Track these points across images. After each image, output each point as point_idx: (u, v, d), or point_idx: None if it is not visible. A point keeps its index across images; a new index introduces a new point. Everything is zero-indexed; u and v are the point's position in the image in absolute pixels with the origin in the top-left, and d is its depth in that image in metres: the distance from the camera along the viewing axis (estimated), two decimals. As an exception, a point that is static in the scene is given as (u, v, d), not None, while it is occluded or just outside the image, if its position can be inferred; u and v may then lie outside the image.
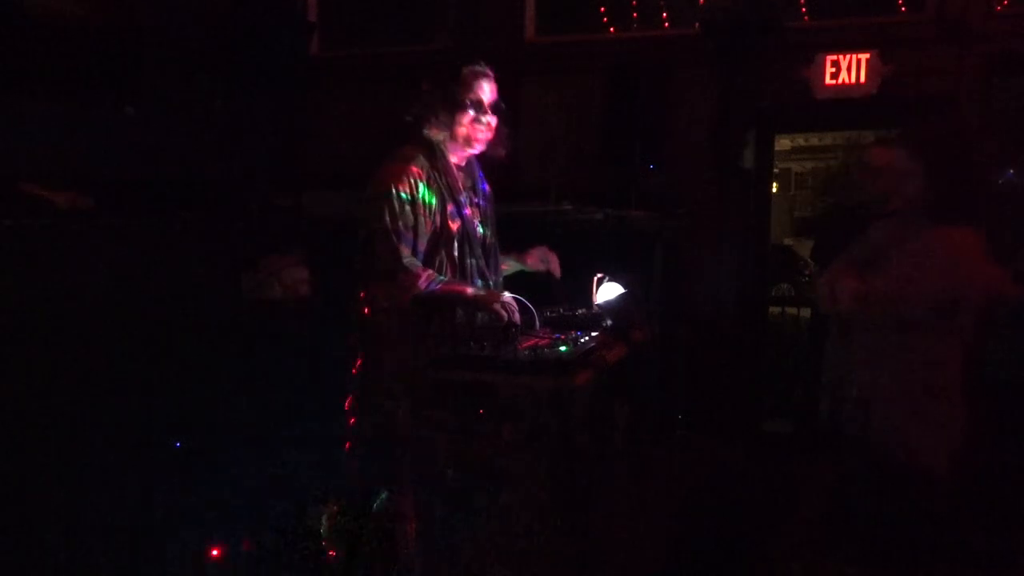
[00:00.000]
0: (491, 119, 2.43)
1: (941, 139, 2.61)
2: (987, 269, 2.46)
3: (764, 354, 5.15)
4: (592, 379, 2.12)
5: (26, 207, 3.17)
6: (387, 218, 2.27)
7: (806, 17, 4.93)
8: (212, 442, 3.42)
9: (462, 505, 2.35)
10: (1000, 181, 4.28)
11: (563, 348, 2.05)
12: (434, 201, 2.36)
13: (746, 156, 4.91)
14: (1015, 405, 3.48)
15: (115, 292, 3.24)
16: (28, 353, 2.93)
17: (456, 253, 2.39)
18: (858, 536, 2.69)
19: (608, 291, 2.65)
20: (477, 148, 2.46)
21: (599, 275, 2.68)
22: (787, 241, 8.32)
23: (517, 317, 2.21)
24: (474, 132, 2.41)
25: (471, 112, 2.39)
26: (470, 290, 2.30)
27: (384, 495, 2.15)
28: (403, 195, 2.30)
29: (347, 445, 2.47)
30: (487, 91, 2.42)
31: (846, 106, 4.79)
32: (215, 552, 2.97)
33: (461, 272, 2.41)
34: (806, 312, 5.20)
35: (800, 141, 9.02)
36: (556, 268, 2.66)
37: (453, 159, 2.45)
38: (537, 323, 2.30)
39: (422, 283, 2.23)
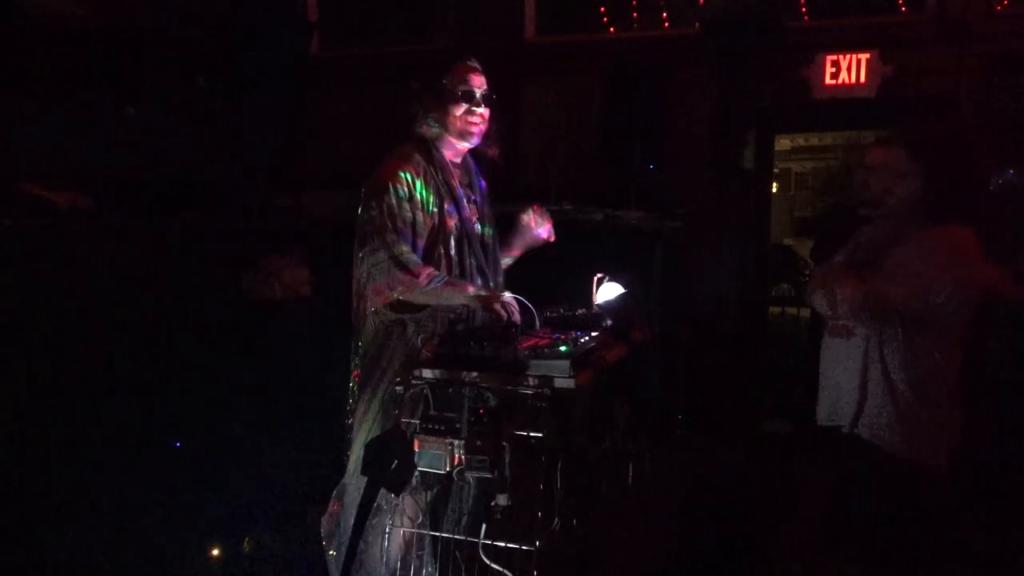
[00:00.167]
0: (484, 110, 2.43)
1: (940, 139, 2.61)
2: (985, 268, 2.46)
3: (764, 354, 5.15)
4: (592, 379, 2.12)
5: (26, 207, 3.17)
6: (385, 215, 2.27)
7: (806, 17, 4.93)
8: (212, 442, 3.42)
9: (462, 505, 2.35)
10: (1000, 181, 4.28)
11: (563, 348, 2.05)
12: (431, 198, 2.36)
13: (746, 156, 4.91)
14: (1015, 405, 3.48)
15: (115, 292, 3.24)
16: (28, 353, 2.93)
17: (454, 250, 2.39)
18: (858, 536, 2.69)
19: (608, 291, 2.65)
20: (472, 141, 2.46)
21: (599, 275, 2.67)
22: (787, 241, 8.34)
23: (517, 317, 2.21)
24: (468, 124, 2.41)
25: (463, 104, 2.39)
26: (471, 289, 2.30)
27: (384, 495, 2.15)
28: (401, 192, 2.30)
29: (347, 445, 2.48)
30: (477, 82, 2.43)
31: (846, 106, 4.79)
32: (215, 552, 2.97)
33: (460, 269, 2.41)
34: (806, 312, 5.20)
35: (800, 141, 9.03)
36: (549, 229, 2.65)
37: (449, 155, 2.46)
38: (537, 323, 2.30)
39: (422, 281, 2.23)
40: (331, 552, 2.40)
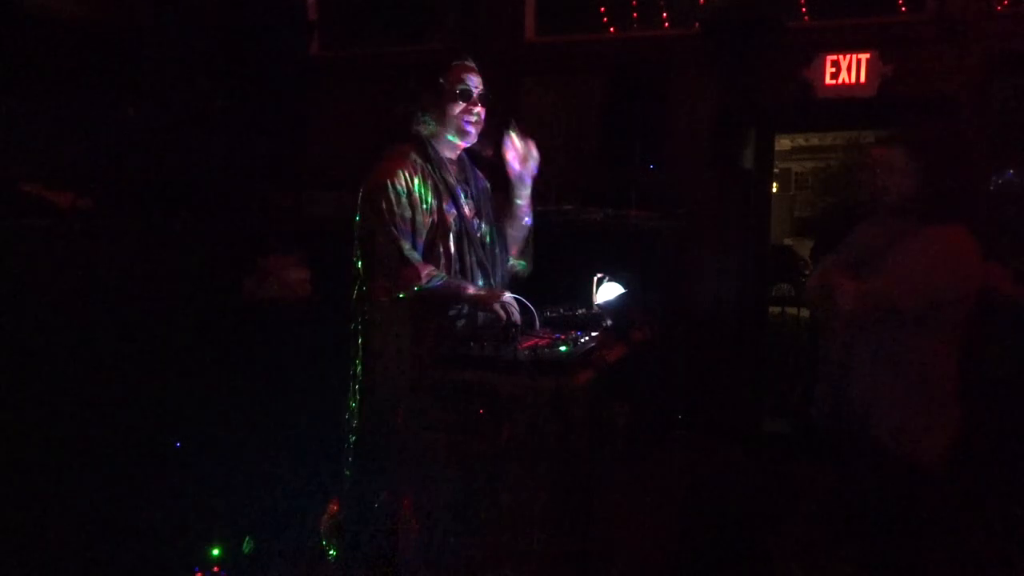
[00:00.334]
0: (481, 109, 2.44)
1: (940, 138, 2.62)
2: (982, 267, 2.47)
3: (764, 354, 5.14)
4: (592, 379, 2.12)
5: (26, 207, 3.17)
6: (384, 213, 2.28)
7: (806, 17, 4.93)
8: (212, 442, 3.42)
9: (462, 505, 2.35)
10: (1000, 181, 4.28)
11: (563, 348, 2.05)
12: (429, 195, 2.37)
13: (746, 156, 4.91)
14: (1014, 404, 3.48)
15: (115, 292, 3.24)
16: (28, 353, 2.93)
17: (454, 247, 2.40)
18: (859, 536, 2.69)
19: (608, 291, 2.65)
20: (469, 140, 2.47)
21: (599, 275, 2.68)
22: (787, 241, 8.33)
23: (517, 317, 2.21)
24: (465, 123, 2.43)
25: (461, 102, 2.41)
26: (470, 289, 2.30)
27: (384, 496, 2.16)
28: (399, 189, 2.31)
29: (348, 445, 2.48)
30: (474, 82, 2.44)
31: (846, 106, 4.79)
32: (215, 552, 2.97)
33: (460, 266, 2.41)
34: (806, 312, 5.20)
35: (800, 141, 9.03)
36: (533, 150, 2.56)
37: (445, 153, 2.47)
38: (537, 323, 2.30)
39: (423, 278, 2.23)
40: (331, 552, 2.40)
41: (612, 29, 5.28)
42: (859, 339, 2.52)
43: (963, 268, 2.43)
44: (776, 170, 7.52)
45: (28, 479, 2.86)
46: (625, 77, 4.72)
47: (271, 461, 3.40)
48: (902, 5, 4.79)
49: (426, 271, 2.25)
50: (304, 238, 4.12)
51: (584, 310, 2.55)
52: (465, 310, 2.36)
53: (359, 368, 2.42)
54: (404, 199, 2.31)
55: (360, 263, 2.34)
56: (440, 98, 2.41)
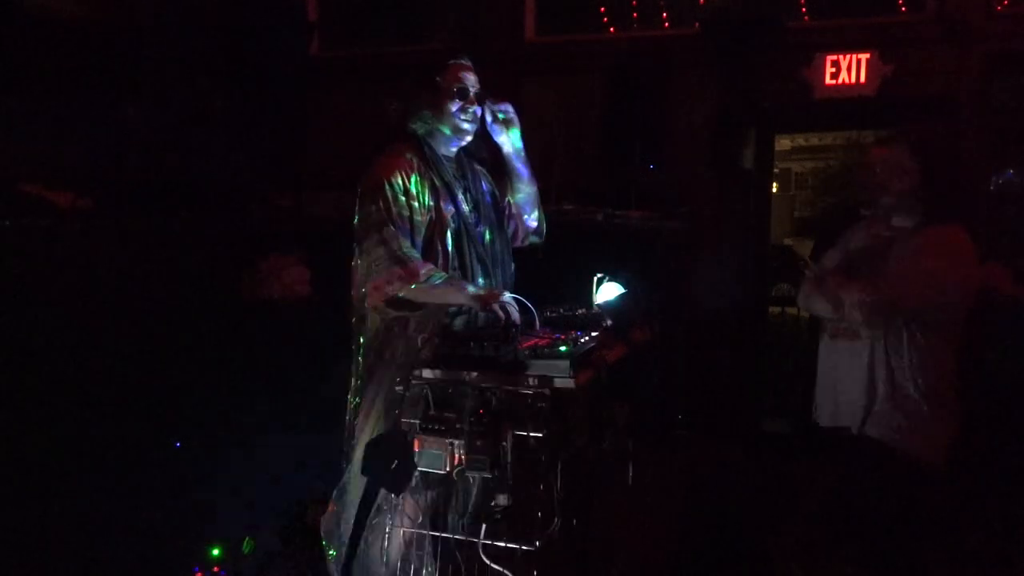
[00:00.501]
0: (477, 109, 2.44)
1: (940, 138, 2.63)
2: (981, 267, 2.48)
3: (764, 354, 5.14)
4: (592, 379, 2.12)
5: (26, 207, 3.17)
6: (382, 211, 2.28)
7: (806, 17, 4.93)
8: (211, 442, 3.42)
9: (463, 505, 2.35)
10: (1000, 181, 4.28)
11: (563, 348, 2.05)
12: (427, 193, 2.37)
13: (746, 156, 4.91)
14: (1014, 404, 3.48)
15: (115, 292, 3.24)
16: (28, 353, 2.93)
17: (453, 244, 2.39)
18: (858, 536, 2.69)
19: (608, 291, 2.65)
20: (465, 138, 2.47)
21: (599, 275, 2.67)
22: (787, 241, 8.32)
23: (516, 317, 2.21)
24: (462, 121, 2.43)
25: (458, 100, 2.41)
26: (469, 288, 2.30)
27: (384, 495, 2.16)
28: (396, 188, 2.31)
29: (347, 445, 2.48)
30: (470, 80, 2.45)
31: (846, 106, 4.79)
32: (215, 552, 2.97)
33: (460, 263, 2.41)
34: (806, 312, 5.19)
35: (800, 141, 9.01)
36: (508, 107, 2.52)
37: (443, 152, 2.47)
38: (537, 323, 2.30)
39: (420, 277, 2.23)
40: (331, 552, 2.40)
41: (612, 29, 5.28)
42: (864, 339, 2.52)
43: (964, 268, 2.44)
44: (776, 170, 7.51)
45: (28, 478, 2.86)
46: (625, 77, 4.72)
47: (271, 460, 3.40)
48: (902, 5, 4.79)
49: (424, 269, 2.25)
50: (304, 238, 4.12)
51: (584, 310, 2.55)
52: (465, 309, 2.36)
53: (359, 368, 2.42)
54: (401, 197, 2.31)
55: (359, 262, 2.34)
56: (437, 96, 2.41)
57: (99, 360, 3.16)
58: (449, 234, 2.39)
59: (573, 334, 2.25)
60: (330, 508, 2.44)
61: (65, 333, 3.04)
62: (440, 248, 2.38)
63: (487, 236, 2.51)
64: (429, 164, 2.41)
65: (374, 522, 2.19)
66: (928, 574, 2.60)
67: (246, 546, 3.02)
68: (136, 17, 3.97)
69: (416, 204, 2.34)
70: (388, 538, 2.19)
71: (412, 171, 2.36)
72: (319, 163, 4.74)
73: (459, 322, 2.37)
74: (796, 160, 10.04)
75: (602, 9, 5.27)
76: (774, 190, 6.80)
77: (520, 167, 2.60)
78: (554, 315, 2.46)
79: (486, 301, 2.23)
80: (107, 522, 2.94)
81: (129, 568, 2.85)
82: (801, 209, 10.14)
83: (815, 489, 3.59)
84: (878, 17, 4.80)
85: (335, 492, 2.42)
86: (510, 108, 2.51)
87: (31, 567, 2.77)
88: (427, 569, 2.30)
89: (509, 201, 2.65)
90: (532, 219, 2.69)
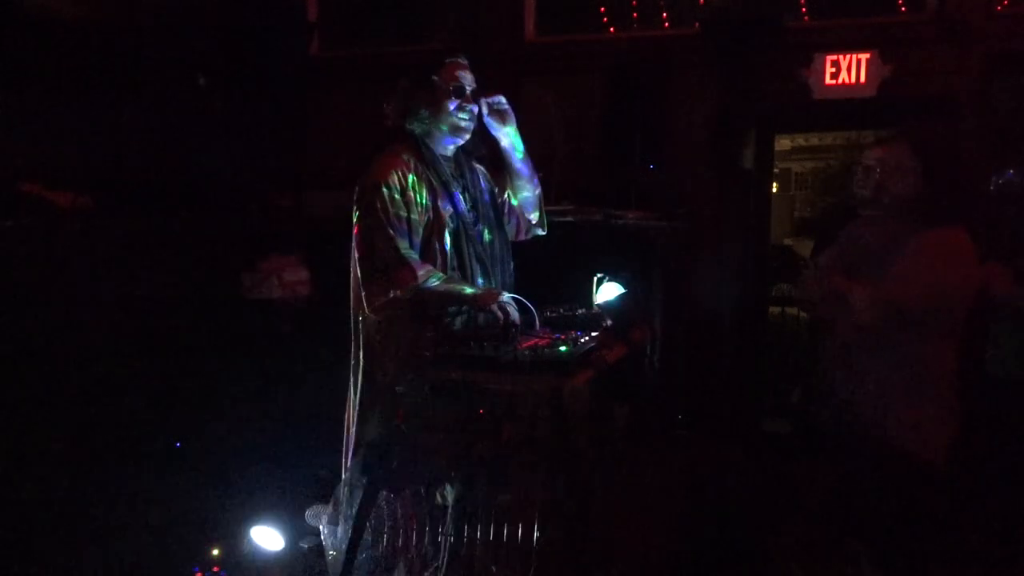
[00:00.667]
0: (474, 107, 2.44)
1: (940, 138, 2.63)
2: (982, 268, 2.49)
3: (764, 354, 5.14)
4: (592, 379, 2.12)
5: (26, 207, 3.17)
6: (379, 212, 2.28)
7: (806, 17, 4.93)
8: (211, 442, 3.42)
9: (463, 505, 2.35)
10: (1000, 181, 4.28)
11: (563, 348, 2.05)
12: (424, 193, 2.37)
13: (746, 156, 4.90)
14: (1014, 404, 3.48)
15: (115, 292, 3.24)
16: (28, 353, 2.93)
17: (450, 244, 2.39)
18: (860, 535, 2.69)
19: (608, 291, 2.65)
20: (463, 136, 2.47)
21: (599, 275, 2.67)
22: (787, 241, 8.31)
23: (516, 317, 2.21)
24: (459, 119, 2.43)
25: (455, 99, 2.41)
26: (468, 289, 2.30)
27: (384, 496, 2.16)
28: (393, 188, 2.31)
29: (347, 445, 2.48)
30: (467, 79, 2.45)
31: (846, 106, 4.79)
32: (214, 552, 2.97)
33: (459, 262, 2.40)
34: (805, 312, 5.19)
35: (800, 141, 9.01)
36: (502, 99, 2.49)
37: (440, 151, 2.46)
38: (537, 323, 2.30)
39: (419, 278, 2.23)
40: (331, 552, 2.40)
41: (612, 29, 5.27)
42: (864, 340, 2.53)
43: (966, 270, 2.45)
44: (776, 170, 7.50)
45: (27, 477, 2.86)
46: (625, 77, 4.71)
47: (270, 461, 3.41)
48: (902, 5, 4.78)
49: (423, 270, 2.25)
50: (304, 238, 4.12)
51: (584, 310, 2.55)
52: (464, 309, 2.36)
53: (358, 368, 2.42)
54: (398, 198, 2.31)
55: (357, 263, 2.34)
56: (434, 95, 2.41)
57: (99, 359, 3.16)
58: (447, 234, 2.39)
59: (573, 334, 2.25)
60: (330, 508, 2.44)
61: (65, 333, 3.04)
62: (438, 248, 2.38)
63: (486, 236, 2.50)
64: (427, 164, 2.41)
65: (373, 522, 2.19)
66: (928, 574, 2.60)
67: (245, 546, 3.02)
68: (136, 17, 3.97)
69: (413, 204, 2.33)
70: (387, 537, 2.18)
71: (409, 171, 2.36)
72: (319, 163, 4.74)
73: (459, 322, 2.37)
74: (796, 160, 10.03)
75: (602, 9, 5.27)
76: (774, 190, 6.80)
77: (519, 164, 2.59)
78: (554, 315, 2.46)
79: (485, 302, 2.23)
80: (107, 522, 2.94)
81: (128, 568, 2.85)
82: (801, 209, 10.13)
83: (815, 489, 3.59)
84: (878, 17, 4.80)
85: (335, 492, 2.42)
86: (503, 100, 2.50)
87: (30, 568, 2.77)
88: (428, 568, 2.30)
89: (508, 197, 2.64)
90: (534, 216, 2.69)
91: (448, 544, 2.16)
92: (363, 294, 2.32)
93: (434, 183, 2.40)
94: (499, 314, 2.18)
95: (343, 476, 2.40)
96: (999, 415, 3.40)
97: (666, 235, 4.51)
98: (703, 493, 3.66)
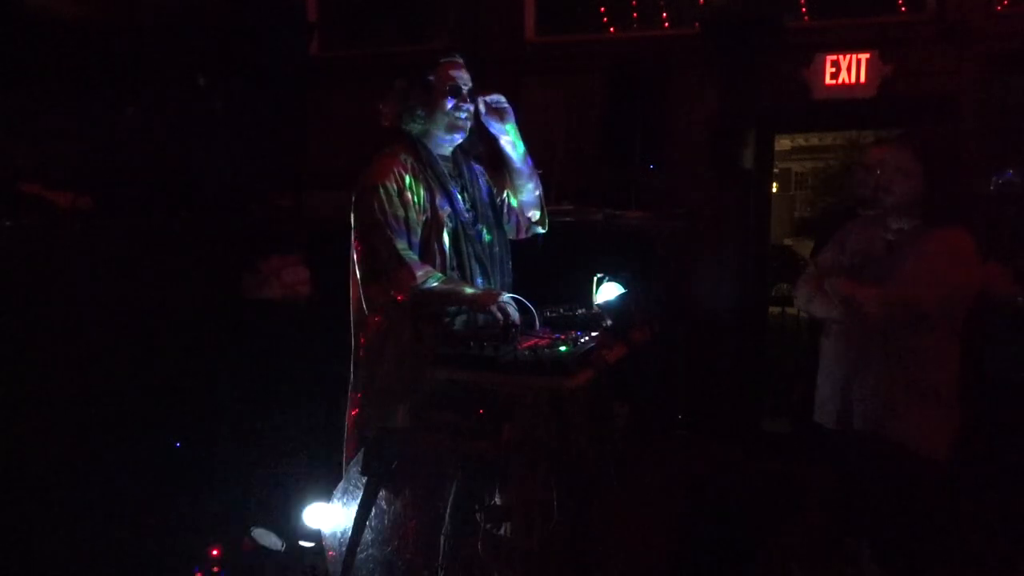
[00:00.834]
0: (471, 106, 2.44)
1: (941, 140, 2.64)
2: (985, 268, 2.50)
3: (764, 354, 5.14)
4: (592, 379, 2.12)
5: (26, 207, 3.17)
6: (377, 213, 2.28)
7: (806, 17, 4.93)
8: (211, 442, 3.42)
9: (463, 505, 2.35)
10: (1000, 181, 4.28)
11: (563, 348, 2.05)
12: (422, 192, 2.37)
13: (746, 156, 4.90)
14: (1013, 404, 3.48)
15: (115, 292, 3.24)
16: (28, 353, 2.93)
17: (449, 244, 2.39)
18: (862, 534, 2.70)
19: (608, 291, 2.65)
20: (459, 135, 2.47)
21: (599, 275, 2.67)
22: (787, 241, 8.31)
23: (516, 317, 2.21)
24: (456, 119, 2.43)
25: (452, 99, 2.41)
26: (468, 290, 2.30)
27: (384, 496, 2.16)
28: (390, 188, 2.31)
29: (347, 445, 2.48)
30: (463, 78, 2.45)
31: (846, 106, 4.79)
32: (215, 552, 2.97)
33: (457, 261, 2.40)
34: (804, 312, 5.18)
35: (800, 141, 9.00)
36: (501, 98, 2.49)
37: (438, 151, 2.46)
38: (537, 323, 2.30)
39: (418, 279, 2.23)
40: (331, 552, 2.40)
41: (612, 29, 5.27)
42: (869, 340, 2.53)
43: (971, 268, 2.47)
44: (776, 170, 7.50)
45: (27, 478, 2.86)
46: (625, 77, 4.71)
47: (270, 460, 3.41)
48: (902, 5, 4.78)
49: (422, 271, 2.25)
50: (304, 238, 4.12)
51: (584, 310, 2.55)
52: (464, 309, 2.36)
53: (358, 368, 2.42)
54: (396, 198, 2.31)
55: (357, 265, 2.34)
56: (430, 95, 2.41)
57: (99, 360, 3.16)
58: (446, 234, 2.39)
59: (573, 334, 2.25)
60: (330, 508, 2.44)
61: (65, 333, 3.04)
62: (437, 248, 2.38)
63: (485, 235, 2.50)
64: (424, 164, 2.41)
65: (373, 522, 2.19)
66: (928, 574, 2.60)
67: (245, 546, 3.02)
68: (136, 17, 3.97)
69: (411, 204, 2.33)
70: (387, 536, 2.19)
71: (406, 172, 2.36)
72: (319, 163, 4.75)
73: (459, 322, 2.37)
74: (796, 160, 10.03)
75: (602, 9, 5.26)
76: (774, 190, 6.79)
77: (519, 163, 2.58)
78: (554, 315, 2.46)
79: (484, 302, 2.23)
80: (106, 521, 2.94)
81: (128, 568, 2.85)
82: (801, 209, 10.13)
83: (815, 489, 3.59)
84: (878, 17, 4.80)
85: (335, 491, 2.42)
86: (502, 98, 2.50)
87: (30, 568, 2.77)
88: (428, 568, 2.30)
89: (508, 197, 2.64)
90: (534, 214, 2.69)
91: (448, 544, 2.16)
92: (363, 295, 2.32)
93: (432, 183, 2.40)
94: (498, 315, 2.18)
95: (343, 476, 2.40)
96: (999, 415, 3.41)
97: (666, 235, 4.51)
98: (703, 493, 3.66)
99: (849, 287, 2.52)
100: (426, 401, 2.08)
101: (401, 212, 2.31)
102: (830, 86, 4.73)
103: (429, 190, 2.38)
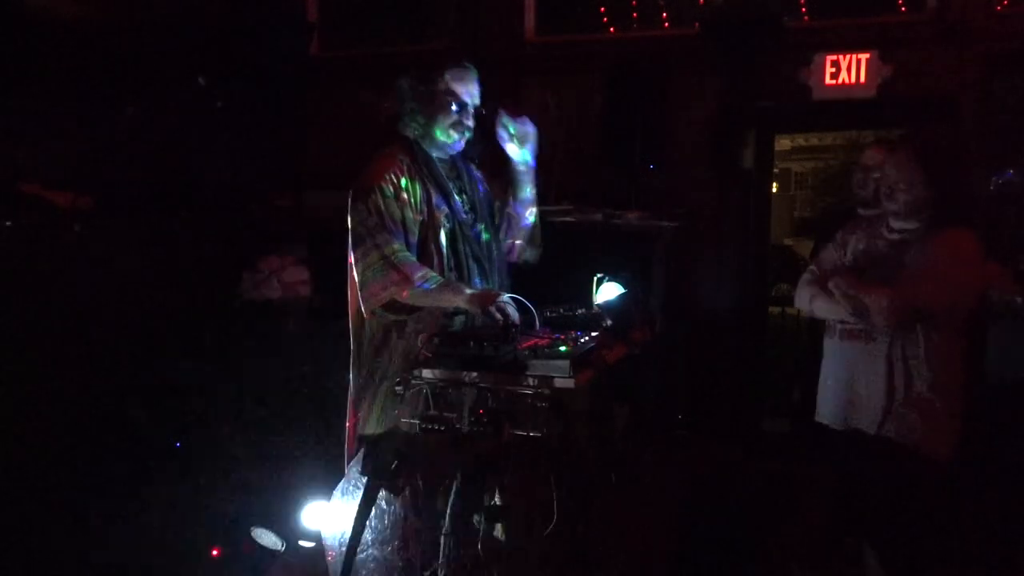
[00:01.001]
0: (471, 122, 2.42)
1: (941, 142, 2.64)
2: (989, 268, 2.51)
3: (764, 354, 5.14)
4: (592, 379, 2.12)
5: (26, 207, 3.17)
6: (374, 216, 2.27)
7: (806, 17, 4.93)
8: (211, 442, 3.42)
9: (463, 505, 2.35)
10: (1000, 181, 4.28)
11: (563, 348, 2.05)
12: (419, 193, 2.35)
13: (746, 156, 4.90)
14: (1013, 404, 3.48)
15: (115, 292, 3.24)
16: (28, 353, 2.93)
17: (447, 243, 2.38)
18: (860, 535, 2.70)
19: (608, 291, 2.65)
20: (454, 148, 2.45)
21: (599, 275, 2.67)
22: (787, 241, 8.32)
23: (515, 317, 2.21)
24: (453, 133, 2.41)
25: (453, 114, 2.39)
26: (466, 291, 2.29)
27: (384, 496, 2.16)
28: (386, 190, 2.30)
29: (347, 445, 2.48)
30: (471, 93, 2.41)
31: (846, 106, 4.79)
32: (215, 552, 2.97)
33: (455, 261, 2.39)
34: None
35: (800, 141, 9.02)
36: (529, 126, 2.46)
37: (435, 153, 2.45)
38: (537, 323, 2.29)
39: (416, 281, 2.22)
40: (331, 552, 2.40)
41: (612, 29, 5.27)
42: (873, 340, 2.53)
43: (977, 269, 2.47)
44: (776, 170, 7.50)
45: (28, 477, 2.86)
46: (625, 77, 4.71)
47: (270, 461, 3.40)
48: (902, 5, 4.78)
49: (419, 273, 2.24)
50: (304, 238, 4.12)
51: (584, 310, 2.55)
52: (463, 310, 2.35)
53: (358, 368, 2.42)
54: (392, 200, 2.30)
55: (355, 268, 2.34)
56: (432, 104, 2.38)
57: (99, 359, 3.16)
58: (443, 234, 2.38)
59: (573, 334, 2.25)
60: (330, 508, 2.44)
61: (65, 332, 3.04)
62: (434, 249, 2.37)
63: (484, 235, 2.50)
64: (421, 164, 2.40)
65: (373, 523, 2.19)
66: (928, 574, 2.60)
67: (245, 546, 3.02)
68: (136, 17, 3.97)
69: (407, 206, 2.32)
70: (386, 538, 2.19)
71: (402, 173, 2.35)
72: (319, 163, 4.74)
73: (457, 322, 2.37)
74: (796, 160, 10.05)
75: (602, 9, 5.26)
76: (774, 190, 6.80)
77: (525, 185, 2.54)
78: (554, 315, 2.46)
79: (484, 303, 2.22)
80: (107, 522, 2.94)
81: (128, 568, 2.85)
82: (801, 209, 10.15)
83: (815, 489, 3.59)
84: (878, 17, 4.80)
85: (335, 491, 2.42)
86: (528, 125, 2.44)
87: (30, 568, 2.77)
88: (428, 567, 2.30)
89: (504, 207, 2.62)
90: (523, 236, 2.63)
91: (448, 544, 2.16)
92: (361, 298, 2.32)
93: (429, 184, 2.38)
94: (498, 316, 2.17)
95: (343, 476, 2.40)
96: (999, 415, 3.40)
97: (666, 235, 4.51)
98: (703, 493, 3.66)
99: (856, 287, 2.52)
100: (426, 401, 2.07)
101: (398, 214, 2.30)
102: (830, 86, 4.73)
103: (426, 190, 2.37)
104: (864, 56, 4.66)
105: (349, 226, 2.35)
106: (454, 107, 2.38)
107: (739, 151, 4.89)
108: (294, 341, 3.76)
